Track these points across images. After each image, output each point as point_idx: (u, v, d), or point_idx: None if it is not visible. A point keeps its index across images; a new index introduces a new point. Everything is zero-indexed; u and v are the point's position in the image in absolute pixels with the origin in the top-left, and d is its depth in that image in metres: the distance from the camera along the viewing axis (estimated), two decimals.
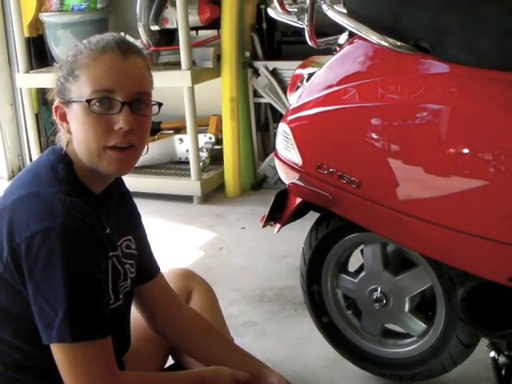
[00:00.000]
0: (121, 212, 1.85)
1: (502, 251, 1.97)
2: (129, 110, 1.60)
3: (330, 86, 2.30)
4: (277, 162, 2.55)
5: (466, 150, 1.97)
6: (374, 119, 2.15)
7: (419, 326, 2.55)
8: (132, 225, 1.92)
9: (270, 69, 5.27)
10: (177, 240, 4.47)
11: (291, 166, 2.40)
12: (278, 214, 2.60)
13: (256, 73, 5.34)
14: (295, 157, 2.36)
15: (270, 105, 5.42)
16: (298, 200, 2.52)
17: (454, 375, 2.68)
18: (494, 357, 2.38)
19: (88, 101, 1.58)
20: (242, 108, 5.35)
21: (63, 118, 1.66)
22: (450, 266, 2.19)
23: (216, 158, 5.43)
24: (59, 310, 1.47)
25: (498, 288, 2.07)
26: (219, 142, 5.41)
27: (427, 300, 2.55)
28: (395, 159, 2.10)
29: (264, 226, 2.64)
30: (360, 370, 2.76)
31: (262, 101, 5.46)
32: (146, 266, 1.95)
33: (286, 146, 2.41)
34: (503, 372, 2.37)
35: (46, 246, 1.48)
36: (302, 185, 2.34)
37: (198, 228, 4.69)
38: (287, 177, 2.45)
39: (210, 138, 5.41)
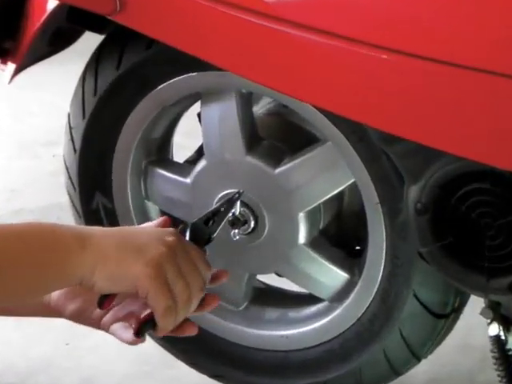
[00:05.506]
0: None
1: None
2: None
3: None
4: None
5: None
6: None
7: (332, 275, 1.32)
8: None
9: None
10: None
11: None
12: (9, 42, 1.32)
13: None
14: None
15: None
16: (49, 7, 1.33)
17: None
18: (497, 337, 1.22)
19: None
20: None
21: None
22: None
23: None
24: None
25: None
26: None
27: (346, 220, 1.36)
28: None
29: None
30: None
31: None
32: None
33: None
34: None
35: None
36: None
37: None
38: None
39: None
